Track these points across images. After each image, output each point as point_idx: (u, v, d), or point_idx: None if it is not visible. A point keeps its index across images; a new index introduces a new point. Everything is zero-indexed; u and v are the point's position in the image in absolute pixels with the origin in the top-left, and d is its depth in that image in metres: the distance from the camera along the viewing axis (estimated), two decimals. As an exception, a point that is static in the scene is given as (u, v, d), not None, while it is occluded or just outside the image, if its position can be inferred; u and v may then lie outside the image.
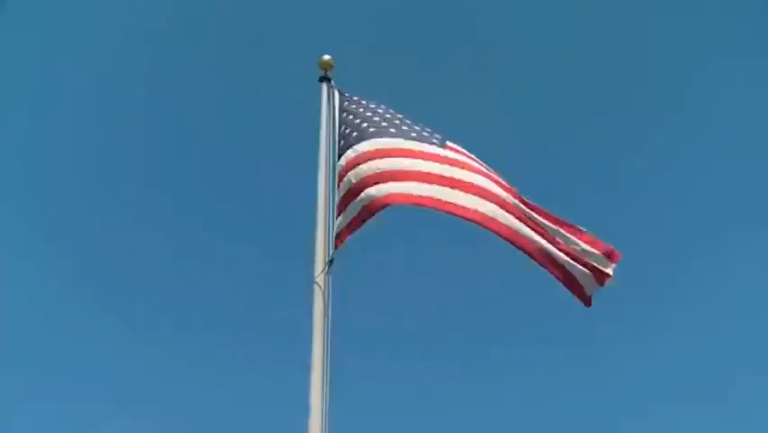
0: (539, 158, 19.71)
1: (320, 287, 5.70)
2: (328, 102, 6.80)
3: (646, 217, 18.81)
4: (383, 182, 5.86)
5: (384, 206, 5.78)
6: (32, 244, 16.74)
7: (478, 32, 18.03)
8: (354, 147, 6.17)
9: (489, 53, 17.34)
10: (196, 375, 16.38)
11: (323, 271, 5.78)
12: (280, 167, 18.31)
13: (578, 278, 5.91)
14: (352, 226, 5.90)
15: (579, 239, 5.99)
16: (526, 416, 16.11)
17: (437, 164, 6.05)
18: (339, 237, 5.90)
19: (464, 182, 5.97)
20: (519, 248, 5.80)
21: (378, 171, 5.93)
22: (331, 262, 5.87)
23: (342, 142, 6.35)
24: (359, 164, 6.02)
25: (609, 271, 5.89)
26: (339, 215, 5.97)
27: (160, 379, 16.24)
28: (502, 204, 5.91)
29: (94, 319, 16.43)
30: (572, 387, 16.66)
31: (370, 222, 5.83)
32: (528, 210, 6.05)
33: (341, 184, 6.06)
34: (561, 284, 5.90)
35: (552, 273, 5.87)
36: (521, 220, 5.91)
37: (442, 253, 18.25)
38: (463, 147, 6.40)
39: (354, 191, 5.93)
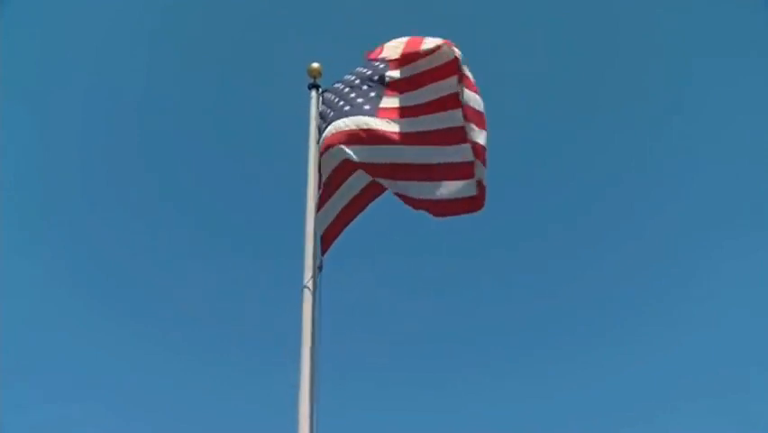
0: (537, 158, 19.72)
1: (309, 291, 5.77)
2: (317, 109, 6.90)
3: (645, 217, 18.82)
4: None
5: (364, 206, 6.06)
6: (31, 244, 16.83)
7: (474, 35, 17.96)
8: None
9: (486, 56, 17.30)
10: (192, 377, 16.49)
11: (312, 275, 5.85)
12: (272, 171, 18.32)
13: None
14: (336, 229, 6.06)
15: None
16: (527, 417, 16.18)
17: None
18: (325, 241, 6.03)
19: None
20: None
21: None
22: (320, 267, 5.96)
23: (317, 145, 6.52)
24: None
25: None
26: (319, 210, 6.13)
27: (156, 379, 16.34)
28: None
29: (91, 319, 16.52)
30: (573, 387, 16.71)
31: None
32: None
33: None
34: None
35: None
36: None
37: (439, 253, 18.31)
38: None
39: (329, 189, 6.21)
